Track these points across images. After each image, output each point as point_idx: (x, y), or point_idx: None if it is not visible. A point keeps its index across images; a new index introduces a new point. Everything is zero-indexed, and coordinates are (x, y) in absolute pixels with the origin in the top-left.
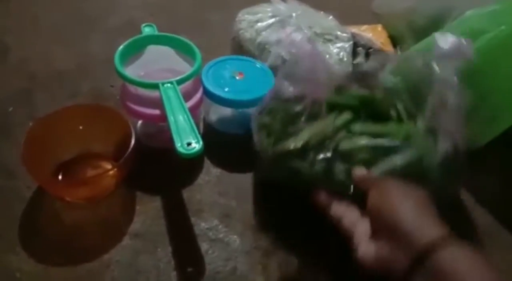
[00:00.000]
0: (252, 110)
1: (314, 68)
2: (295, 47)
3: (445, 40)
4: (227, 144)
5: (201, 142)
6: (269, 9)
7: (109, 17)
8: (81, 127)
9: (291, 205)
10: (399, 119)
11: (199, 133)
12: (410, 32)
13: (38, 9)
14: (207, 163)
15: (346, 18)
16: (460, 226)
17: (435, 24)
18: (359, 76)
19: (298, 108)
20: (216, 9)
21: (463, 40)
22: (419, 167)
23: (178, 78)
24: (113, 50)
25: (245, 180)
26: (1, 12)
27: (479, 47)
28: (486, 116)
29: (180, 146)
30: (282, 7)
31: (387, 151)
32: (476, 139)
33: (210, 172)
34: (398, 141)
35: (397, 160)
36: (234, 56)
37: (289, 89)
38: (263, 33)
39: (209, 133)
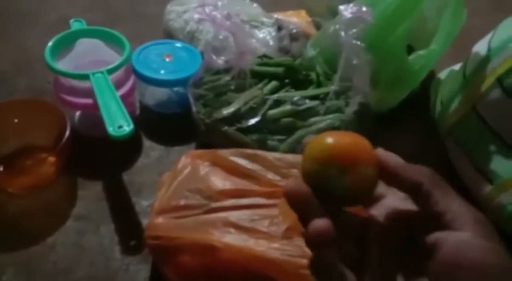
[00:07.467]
0: (184, 89)
1: (236, 41)
2: (216, 24)
3: (348, 9)
4: (165, 124)
5: (131, 125)
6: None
7: (43, 14)
8: (16, 120)
9: None
10: (318, 83)
11: (131, 116)
12: (329, 14)
13: None
14: (145, 146)
15: (271, 5)
16: None
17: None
18: (283, 50)
19: (227, 78)
20: (148, 2)
21: (363, 7)
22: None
23: (107, 67)
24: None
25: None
26: None
27: (375, 15)
28: (388, 82)
29: (112, 130)
30: None
31: (308, 114)
32: (383, 103)
33: (149, 155)
34: (318, 101)
35: (319, 122)
36: (156, 41)
37: (218, 62)
38: (191, 22)
39: (146, 116)
